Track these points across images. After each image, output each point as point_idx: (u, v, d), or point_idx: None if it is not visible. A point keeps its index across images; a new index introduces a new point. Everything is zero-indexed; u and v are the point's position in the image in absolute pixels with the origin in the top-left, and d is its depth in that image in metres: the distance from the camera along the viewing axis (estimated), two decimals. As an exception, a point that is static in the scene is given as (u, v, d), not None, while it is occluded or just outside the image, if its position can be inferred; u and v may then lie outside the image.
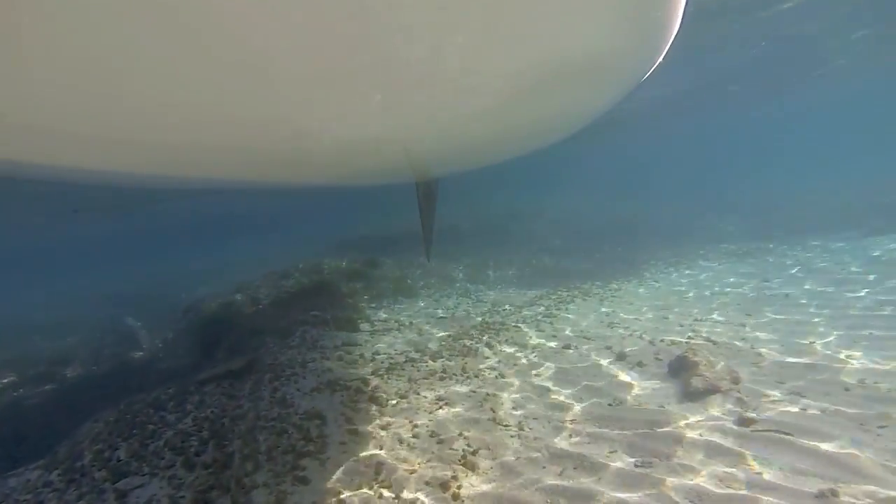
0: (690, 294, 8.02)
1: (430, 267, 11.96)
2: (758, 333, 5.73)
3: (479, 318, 7.60)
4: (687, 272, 9.47)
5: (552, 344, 6.17)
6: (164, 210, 29.20)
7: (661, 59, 2.96)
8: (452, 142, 3.54)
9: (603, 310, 7.53)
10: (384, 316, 8.26)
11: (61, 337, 11.83)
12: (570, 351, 5.85)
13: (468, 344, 6.29)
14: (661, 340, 5.77)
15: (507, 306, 8.27)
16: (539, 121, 3.56)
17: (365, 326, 7.69)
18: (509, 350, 6.06)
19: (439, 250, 14.37)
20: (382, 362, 6.07)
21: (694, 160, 64.59)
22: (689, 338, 5.74)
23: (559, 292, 8.99)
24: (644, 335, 6.07)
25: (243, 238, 34.65)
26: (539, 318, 7.36)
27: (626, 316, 7.07)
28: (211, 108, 1.79)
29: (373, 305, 8.91)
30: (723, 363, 4.76)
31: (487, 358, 5.85)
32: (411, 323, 7.63)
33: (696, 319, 6.50)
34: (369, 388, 5.29)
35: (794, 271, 8.62)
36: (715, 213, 16.63)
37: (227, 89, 1.64)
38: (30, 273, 34.34)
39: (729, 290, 7.89)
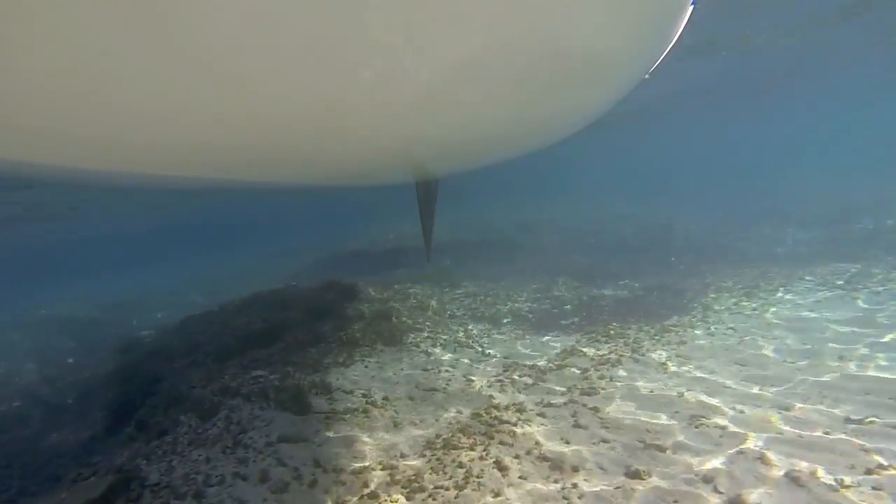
0: (797, 354, 5.52)
1: (424, 296, 9.54)
2: None
3: (484, 397, 5.15)
4: (771, 313, 6.91)
5: (609, 467, 3.72)
6: (144, 215, 27.13)
7: (662, 58, 2.84)
8: (452, 140, 3.32)
9: (672, 384, 5.05)
10: (351, 381, 5.84)
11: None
12: (640, 488, 3.40)
13: (465, 460, 3.85)
14: (815, 476, 3.28)
15: (524, 371, 5.82)
16: (539, 119, 3.36)
17: (320, 402, 5.28)
18: (532, 477, 3.62)
19: (438, 270, 11.99)
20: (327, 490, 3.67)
21: (726, 156, 60.90)
22: (871, 474, 3.24)
23: (596, 343, 6.53)
24: (769, 453, 3.60)
25: (232, 245, 32.58)
26: (575, 397, 4.91)
27: (712, 400, 4.59)
28: (210, 108, 1.71)
29: (340, 360, 6.50)
30: None
31: (497, 496, 3.42)
32: (385, 400, 5.20)
33: (849, 418, 3.98)
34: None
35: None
36: (768, 222, 14.04)
37: (227, 88, 1.58)
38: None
39: (864, 349, 5.35)
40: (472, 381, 5.58)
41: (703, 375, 5.17)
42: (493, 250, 14.69)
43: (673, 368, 5.43)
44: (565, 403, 4.79)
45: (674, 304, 8.19)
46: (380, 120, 2.31)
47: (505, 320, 8.52)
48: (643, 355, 5.85)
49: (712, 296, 8.15)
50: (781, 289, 7.84)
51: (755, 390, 4.70)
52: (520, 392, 5.20)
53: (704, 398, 4.63)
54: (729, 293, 8.20)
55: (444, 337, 7.36)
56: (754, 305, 7.26)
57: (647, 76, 3.15)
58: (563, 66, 2.18)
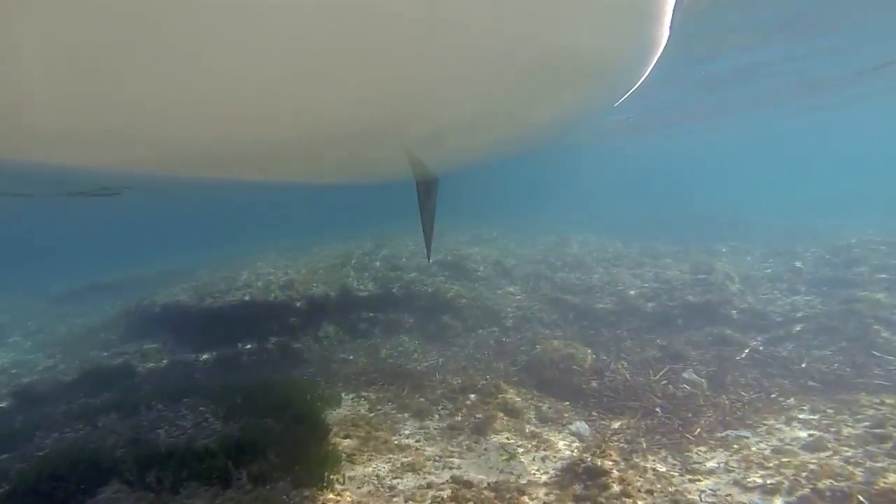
0: None
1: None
2: None
3: None
4: None
5: None
6: None
7: (656, 59, 2.79)
8: (451, 140, 3.45)
9: None
10: None
11: None
12: None
13: None
14: None
15: None
16: (537, 119, 3.43)
17: None
18: None
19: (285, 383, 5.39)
20: None
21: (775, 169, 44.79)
22: None
23: None
24: None
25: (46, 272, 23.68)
26: None
27: None
28: (212, 107, 1.76)
29: None
30: None
31: None
32: None
33: None
34: None
35: None
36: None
37: (227, 88, 1.62)
38: None
39: None
40: None
41: None
42: (412, 316, 8.32)
43: None
44: None
45: None
46: (381, 120, 2.40)
47: None
48: None
49: None
50: None
51: None
52: None
53: None
54: None
55: None
56: None
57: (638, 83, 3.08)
58: (558, 66, 2.25)
